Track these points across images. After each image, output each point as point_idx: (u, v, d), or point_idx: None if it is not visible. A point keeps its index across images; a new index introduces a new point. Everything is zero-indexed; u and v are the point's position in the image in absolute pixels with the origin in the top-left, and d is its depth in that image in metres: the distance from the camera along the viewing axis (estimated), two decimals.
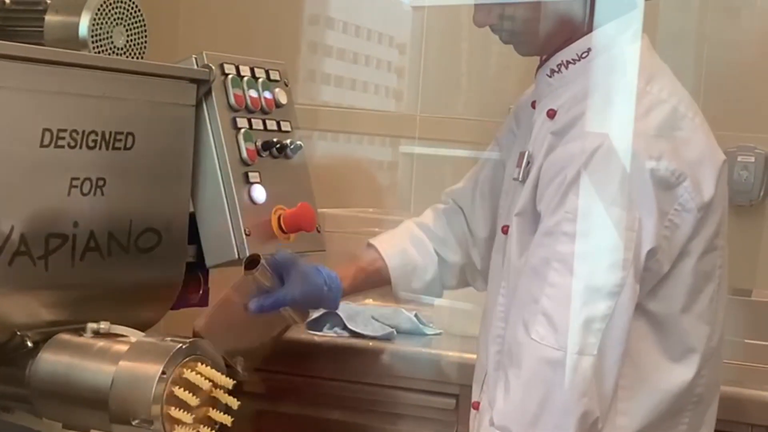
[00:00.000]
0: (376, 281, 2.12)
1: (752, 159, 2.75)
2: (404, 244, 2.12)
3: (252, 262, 2.02)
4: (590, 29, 1.79)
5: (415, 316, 2.69)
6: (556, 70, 1.82)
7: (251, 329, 2.02)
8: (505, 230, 1.85)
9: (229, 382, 1.85)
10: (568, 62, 1.80)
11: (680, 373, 1.75)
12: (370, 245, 2.12)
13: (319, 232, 2.33)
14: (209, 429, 1.85)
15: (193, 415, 1.82)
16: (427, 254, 2.12)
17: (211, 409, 1.86)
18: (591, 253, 1.65)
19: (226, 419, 1.86)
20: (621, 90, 1.75)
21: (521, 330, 1.67)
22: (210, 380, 1.85)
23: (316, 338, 2.56)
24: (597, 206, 1.66)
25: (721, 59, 2.76)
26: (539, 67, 1.87)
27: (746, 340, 2.61)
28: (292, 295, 1.98)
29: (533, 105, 1.88)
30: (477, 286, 2.15)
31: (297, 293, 1.99)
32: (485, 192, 2.08)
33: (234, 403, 1.86)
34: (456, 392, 2.37)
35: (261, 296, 1.98)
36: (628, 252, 1.65)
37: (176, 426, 1.82)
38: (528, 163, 1.80)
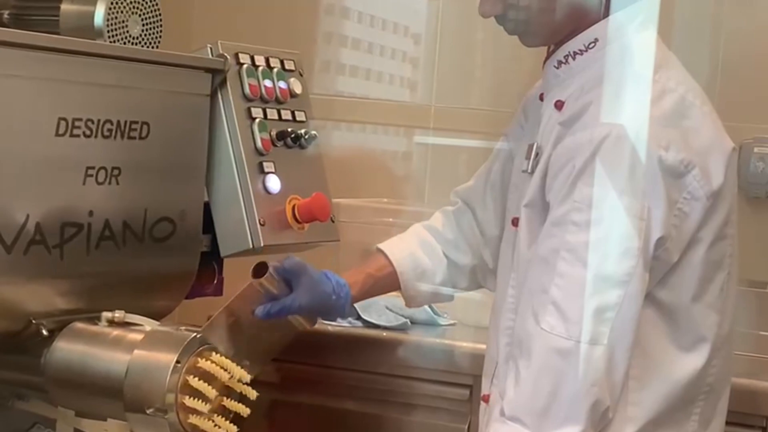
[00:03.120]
0: (385, 286, 2.13)
1: None
2: (413, 248, 2.13)
3: (260, 270, 2.02)
4: (597, 19, 1.79)
5: (429, 306, 2.68)
6: (564, 61, 1.81)
7: (258, 334, 2.01)
8: (515, 222, 1.86)
9: (244, 373, 1.87)
10: (575, 53, 1.80)
11: (691, 363, 1.74)
12: (378, 250, 2.13)
13: (333, 222, 2.34)
14: (224, 418, 1.86)
15: (208, 404, 1.83)
16: (436, 258, 2.12)
17: (225, 398, 1.88)
18: (600, 243, 1.64)
19: (242, 408, 1.88)
20: (629, 79, 1.75)
21: (531, 320, 1.67)
22: (226, 369, 1.86)
23: (329, 328, 2.55)
24: (606, 195, 1.65)
25: (737, 50, 2.74)
26: (546, 59, 1.87)
27: (761, 332, 2.61)
28: (299, 302, 1.97)
29: (541, 97, 1.88)
30: (489, 286, 2.14)
31: (305, 301, 1.98)
32: (496, 189, 2.08)
33: (252, 393, 1.88)
34: (470, 383, 2.37)
35: (268, 302, 1.97)
36: (638, 241, 1.65)
37: (190, 415, 1.83)
38: (537, 154, 1.80)
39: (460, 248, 2.14)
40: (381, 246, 2.13)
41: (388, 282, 2.11)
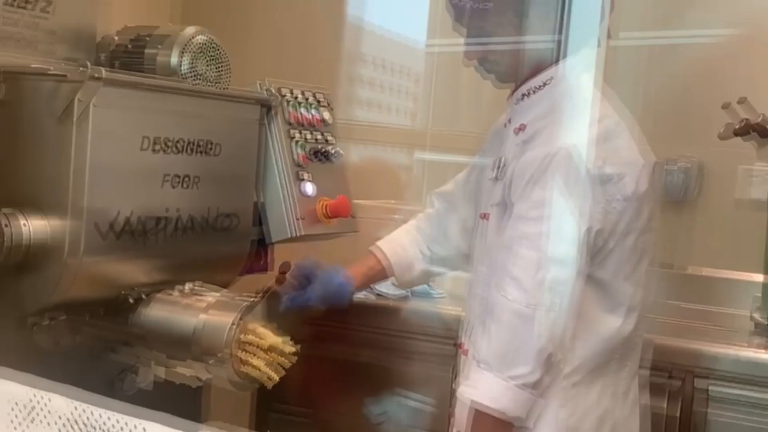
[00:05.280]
0: (381, 277, 2.14)
1: (689, 165, 2.69)
2: (403, 244, 2.11)
3: (284, 267, 2.04)
4: (550, 64, 1.75)
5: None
6: (526, 94, 1.77)
7: (285, 318, 2.01)
8: (485, 216, 1.84)
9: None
10: (535, 89, 1.76)
11: (617, 325, 1.73)
12: (375, 249, 2.12)
13: (353, 217, 2.35)
14: (272, 371, 1.85)
15: (259, 357, 1.83)
16: (418, 252, 2.10)
17: (273, 354, 1.85)
18: (550, 233, 1.63)
19: (285, 362, 1.86)
20: (574, 110, 1.74)
21: (497, 292, 1.66)
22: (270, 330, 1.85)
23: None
24: (555, 197, 1.64)
25: (664, 89, 2.73)
26: (510, 95, 1.84)
27: (677, 302, 2.60)
28: (316, 294, 2.01)
29: (506, 124, 1.85)
30: (464, 269, 2.12)
31: (319, 293, 2.01)
32: (471, 194, 2.05)
33: (290, 349, 1.87)
34: (455, 339, 2.36)
35: (291, 295, 2.01)
36: (579, 232, 1.64)
37: (243, 365, 1.81)
38: (503, 165, 1.77)
39: (439, 242, 2.11)
40: (379, 243, 2.12)
41: (383, 274, 2.11)
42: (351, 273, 2.06)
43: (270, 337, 1.84)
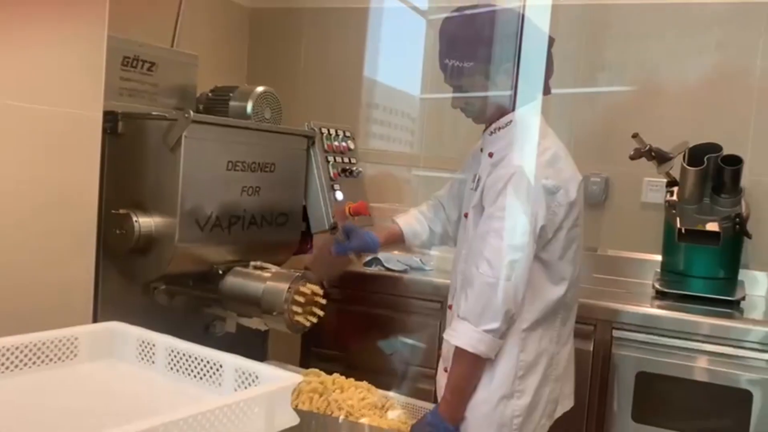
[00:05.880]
0: (397, 240, 2.08)
1: (599, 179, 2.72)
2: (413, 220, 2.08)
3: (334, 228, 2.08)
4: (510, 111, 1.77)
5: (420, 260, 2.71)
6: (494, 131, 1.78)
7: (332, 261, 2.03)
8: (466, 215, 1.85)
9: (321, 292, 1.89)
10: (500, 128, 1.77)
11: (557, 291, 1.75)
12: (394, 221, 2.10)
13: (370, 215, 2.34)
14: (313, 317, 1.88)
15: (304, 309, 1.86)
16: (423, 227, 2.07)
17: (313, 307, 1.89)
18: (510, 228, 1.64)
19: (319, 312, 1.89)
20: (527, 143, 1.73)
21: (474, 268, 1.66)
22: (312, 292, 1.88)
23: (368, 271, 2.55)
24: (513, 203, 1.65)
25: (585, 127, 2.70)
26: (484, 130, 1.84)
27: (594, 275, 2.62)
28: (353, 246, 1.99)
29: (481, 150, 1.85)
30: (450, 244, 2.08)
31: (356, 245, 1.99)
32: (453, 198, 2.04)
33: (322, 302, 1.89)
34: (441, 300, 2.33)
35: (337, 245, 1.99)
36: (530, 227, 1.65)
37: (295, 316, 1.85)
38: (479, 179, 1.78)
39: (435, 223, 2.08)
40: (396, 218, 2.10)
41: (399, 238, 2.07)
42: (378, 235, 2.03)
43: (314, 288, 1.87)
